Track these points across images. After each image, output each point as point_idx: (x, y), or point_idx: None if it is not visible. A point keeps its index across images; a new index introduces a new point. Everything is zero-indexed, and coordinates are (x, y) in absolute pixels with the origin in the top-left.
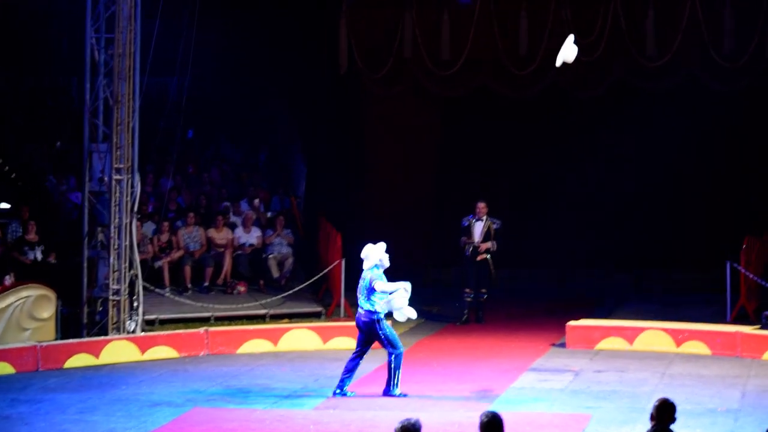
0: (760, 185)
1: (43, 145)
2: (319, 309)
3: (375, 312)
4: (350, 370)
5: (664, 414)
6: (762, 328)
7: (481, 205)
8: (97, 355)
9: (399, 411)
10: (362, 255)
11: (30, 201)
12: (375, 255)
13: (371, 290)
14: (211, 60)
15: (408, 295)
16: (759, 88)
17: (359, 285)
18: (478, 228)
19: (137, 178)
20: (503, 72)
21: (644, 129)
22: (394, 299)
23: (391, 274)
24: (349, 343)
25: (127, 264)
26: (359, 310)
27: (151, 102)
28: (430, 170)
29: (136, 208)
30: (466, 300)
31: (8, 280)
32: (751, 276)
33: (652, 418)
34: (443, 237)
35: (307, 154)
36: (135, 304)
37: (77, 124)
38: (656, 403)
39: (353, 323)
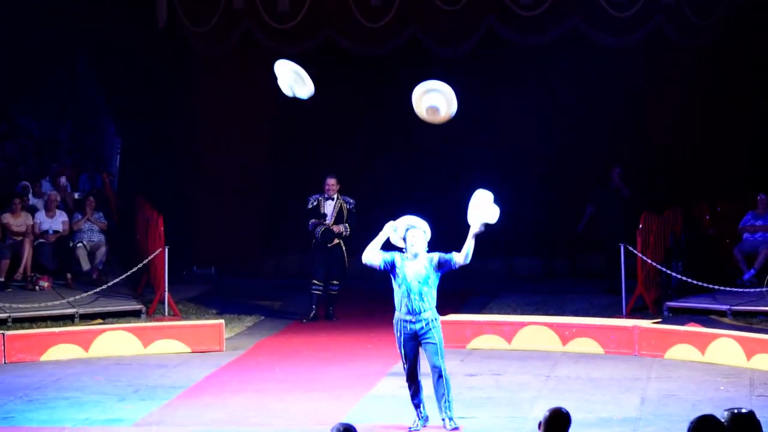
0: (664, 156)
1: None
2: (138, 307)
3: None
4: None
5: (556, 427)
6: (663, 321)
7: (331, 182)
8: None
9: (236, 426)
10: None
11: None
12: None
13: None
14: None
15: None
16: (657, 44)
17: (412, 282)
18: (329, 208)
19: None
20: (352, 24)
21: (522, 91)
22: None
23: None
24: (175, 347)
25: None
26: (409, 315)
27: None
28: (267, 143)
29: None
30: (315, 293)
31: None
32: (648, 261)
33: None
34: (283, 220)
35: (121, 124)
36: None
37: None
38: (547, 414)
39: (180, 322)
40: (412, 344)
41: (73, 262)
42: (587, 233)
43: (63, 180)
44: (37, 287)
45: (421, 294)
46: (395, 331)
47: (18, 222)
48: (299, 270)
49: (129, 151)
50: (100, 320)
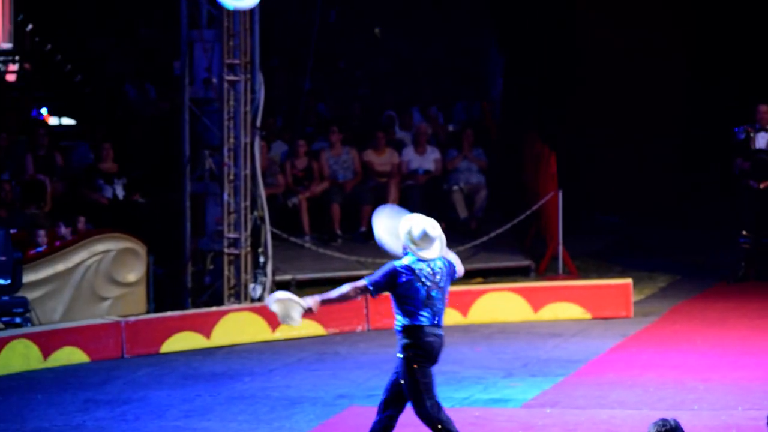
0: None
1: (121, 36)
2: (526, 263)
3: None
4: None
5: None
6: None
7: (764, 109)
8: (207, 335)
9: (648, 409)
10: (438, 233)
11: (104, 115)
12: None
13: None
14: None
15: None
16: None
17: (442, 285)
18: (762, 141)
19: (260, 78)
20: None
21: None
22: None
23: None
24: (571, 311)
25: (248, 202)
26: (440, 330)
27: None
28: (681, 58)
29: (259, 122)
30: (743, 247)
31: (64, 228)
32: None
33: None
34: (701, 156)
35: (504, 42)
36: (261, 259)
37: (169, 2)
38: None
39: (577, 282)
40: None
41: (447, 209)
42: None
43: (434, 109)
44: None
45: None
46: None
47: (382, 160)
48: (723, 218)
49: (514, 74)
50: (480, 279)
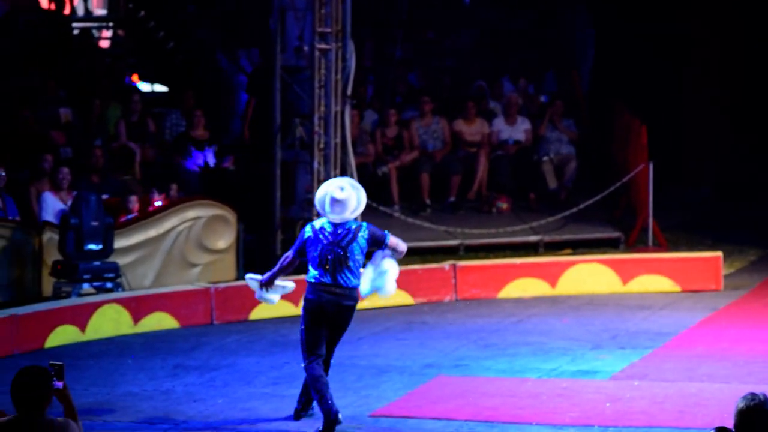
0: None
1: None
2: (616, 234)
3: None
4: (321, 389)
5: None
6: None
7: None
8: (296, 303)
9: (737, 383)
10: (343, 196)
11: (196, 82)
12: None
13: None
14: None
15: None
16: None
17: (339, 248)
18: None
19: (351, 46)
20: None
21: None
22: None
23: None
24: (661, 284)
25: (338, 171)
26: (336, 288)
27: None
28: None
29: (350, 91)
30: None
31: (161, 197)
32: None
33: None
34: None
35: (595, 7)
36: None
37: None
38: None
39: (667, 255)
40: None
41: (537, 179)
42: None
43: (524, 81)
44: (494, 209)
45: None
46: None
47: (472, 130)
48: None
49: (605, 44)
50: (569, 250)
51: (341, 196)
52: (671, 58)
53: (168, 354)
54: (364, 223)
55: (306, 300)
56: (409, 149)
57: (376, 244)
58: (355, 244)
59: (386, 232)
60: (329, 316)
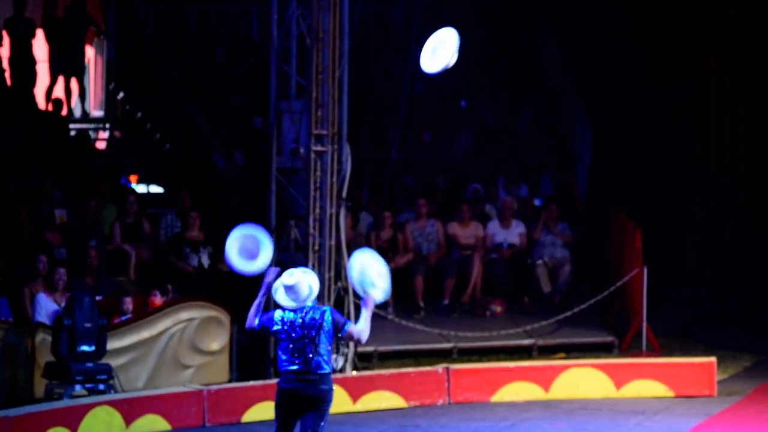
0: None
1: (209, 103)
2: (610, 339)
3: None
4: None
5: None
6: None
7: None
8: None
9: None
10: (292, 281)
11: (192, 183)
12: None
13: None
14: None
15: None
16: None
17: (307, 338)
18: None
19: (347, 149)
20: None
21: None
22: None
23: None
24: (654, 389)
25: (332, 273)
26: (310, 375)
27: (366, 41)
28: None
29: (345, 193)
30: None
31: (159, 296)
32: None
33: None
34: None
35: (593, 110)
36: None
37: (260, 72)
38: None
39: (661, 360)
40: None
41: (531, 283)
42: None
43: (520, 184)
44: (488, 312)
45: None
46: None
47: (467, 233)
48: None
49: (603, 145)
50: (562, 354)
51: (291, 282)
52: (671, 158)
53: None
54: (327, 308)
55: (279, 389)
56: (403, 251)
57: (336, 330)
58: (322, 332)
59: (348, 321)
60: (307, 399)
